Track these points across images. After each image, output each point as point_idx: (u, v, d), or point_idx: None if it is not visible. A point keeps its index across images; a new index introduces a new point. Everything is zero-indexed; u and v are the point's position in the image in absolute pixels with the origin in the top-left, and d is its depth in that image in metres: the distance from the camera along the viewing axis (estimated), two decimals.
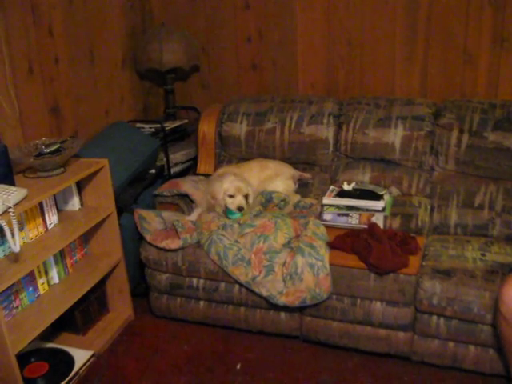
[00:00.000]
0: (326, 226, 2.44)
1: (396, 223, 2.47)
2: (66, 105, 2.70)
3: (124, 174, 2.68)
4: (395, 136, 2.67)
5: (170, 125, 3.16)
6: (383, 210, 2.50)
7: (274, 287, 2.28)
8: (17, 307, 2.13)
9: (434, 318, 2.16)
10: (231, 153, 3.02)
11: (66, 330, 2.55)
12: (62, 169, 2.28)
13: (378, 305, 2.23)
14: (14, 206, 1.88)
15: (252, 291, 2.35)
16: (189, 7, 3.24)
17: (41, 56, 2.49)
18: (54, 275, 2.34)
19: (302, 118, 2.84)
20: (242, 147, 2.96)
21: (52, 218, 2.31)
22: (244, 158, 2.97)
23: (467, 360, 2.17)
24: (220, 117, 3.02)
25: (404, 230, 2.42)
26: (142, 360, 2.42)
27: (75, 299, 2.28)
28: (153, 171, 3.00)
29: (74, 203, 2.46)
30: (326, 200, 2.59)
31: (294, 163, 2.88)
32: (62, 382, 2.23)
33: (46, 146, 2.24)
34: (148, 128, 3.11)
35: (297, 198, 2.73)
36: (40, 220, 2.24)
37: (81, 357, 2.37)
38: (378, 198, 2.53)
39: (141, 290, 2.80)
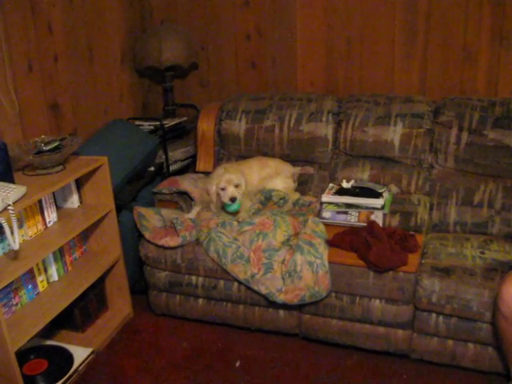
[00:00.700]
0: (325, 224, 2.44)
1: (395, 221, 2.47)
2: (66, 102, 2.70)
3: (123, 171, 2.68)
4: (394, 134, 2.67)
5: (169, 122, 3.16)
6: (382, 207, 2.50)
7: (272, 285, 2.28)
8: (16, 304, 2.14)
9: (433, 315, 2.16)
10: (230, 150, 3.02)
11: (66, 327, 2.55)
12: (61, 166, 2.28)
13: (377, 303, 2.23)
14: (13, 203, 1.88)
15: (251, 289, 2.35)
16: (188, 5, 3.23)
17: (40, 54, 2.49)
18: (54, 273, 2.34)
19: (301, 115, 2.84)
20: (241, 145, 2.96)
21: (51, 216, 2.31)
22: (243, 156, 2.97)
23: (466, 358, 2.17)
24: (219, 114, 3.02)
25: (403, 227, 2.42)
26: (141, 357, 2.42)
27: (74, 297, 2.28)
28: (152, 169, 3.01)
29: (74, 201, 2.46)
30: (325, 198, 2.59)
31: (293, 161, 2.88)
32: (61, 379, 2.23)
33: (46, 144, 2.24)
34: (147, 126, 3.11)
35: (296, 196, 2.73)
36: (39, 217, 2.24)
37: (80, 354, 2.37)
38: (377, 195, 2.53)
39: (140, 287, 2.80)
